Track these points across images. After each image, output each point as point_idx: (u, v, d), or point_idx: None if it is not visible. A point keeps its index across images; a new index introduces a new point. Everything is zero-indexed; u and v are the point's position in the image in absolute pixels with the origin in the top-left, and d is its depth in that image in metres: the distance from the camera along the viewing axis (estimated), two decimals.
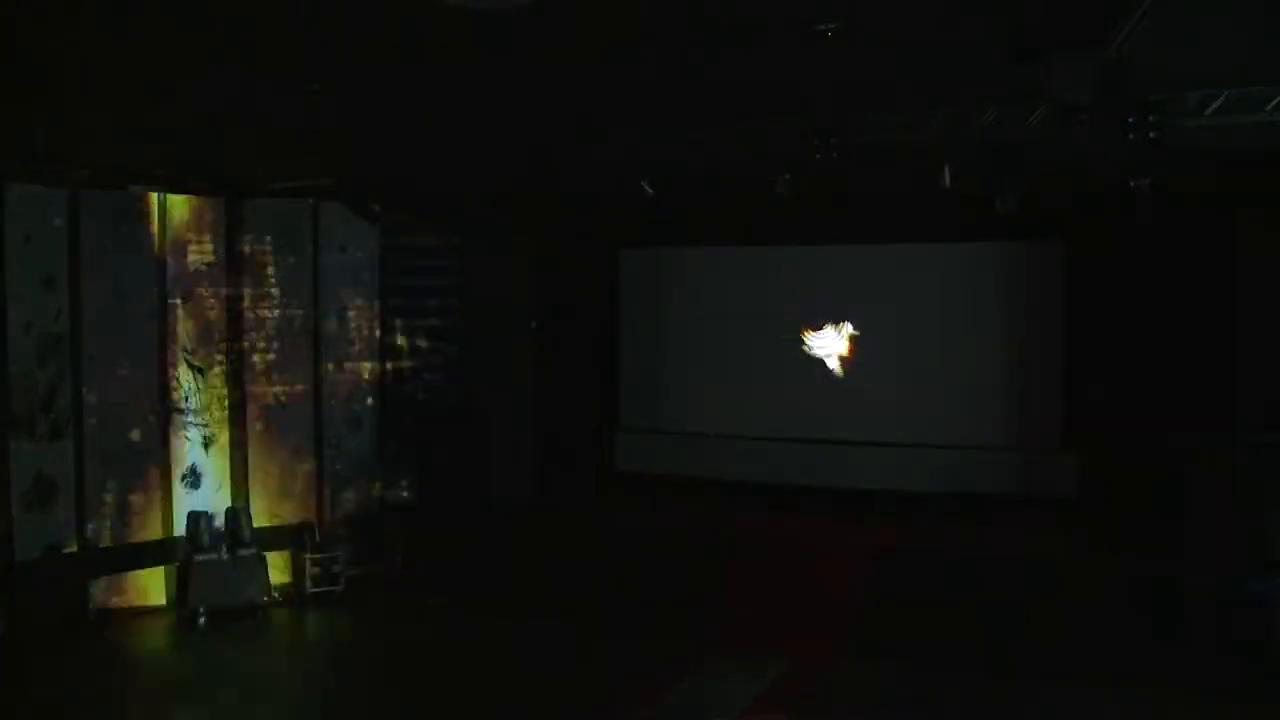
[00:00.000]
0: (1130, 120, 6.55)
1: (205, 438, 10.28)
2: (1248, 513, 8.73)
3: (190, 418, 10.20)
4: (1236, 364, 9.25)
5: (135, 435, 9.87)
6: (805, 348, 11.72)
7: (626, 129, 7.99)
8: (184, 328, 10.15)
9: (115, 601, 9.68)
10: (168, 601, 9.88)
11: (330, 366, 10.91)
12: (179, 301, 10.11)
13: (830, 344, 11.64)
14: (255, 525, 10.33)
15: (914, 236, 11.03)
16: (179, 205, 10.07)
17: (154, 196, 9.91)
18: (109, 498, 9.74)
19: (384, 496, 11.19)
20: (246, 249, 10.42)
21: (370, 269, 11.10)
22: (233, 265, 10.37)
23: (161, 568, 9.95)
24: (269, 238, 10.54)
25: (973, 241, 10.94)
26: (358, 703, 7.81)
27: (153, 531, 9.96)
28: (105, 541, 9.68)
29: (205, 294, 10.26)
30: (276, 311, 10.62)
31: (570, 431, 12.51)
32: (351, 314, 11.03)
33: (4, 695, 7.73)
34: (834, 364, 11.63)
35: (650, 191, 8.96)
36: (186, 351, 10.17)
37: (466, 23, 5.16)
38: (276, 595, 10.18)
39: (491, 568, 10.67)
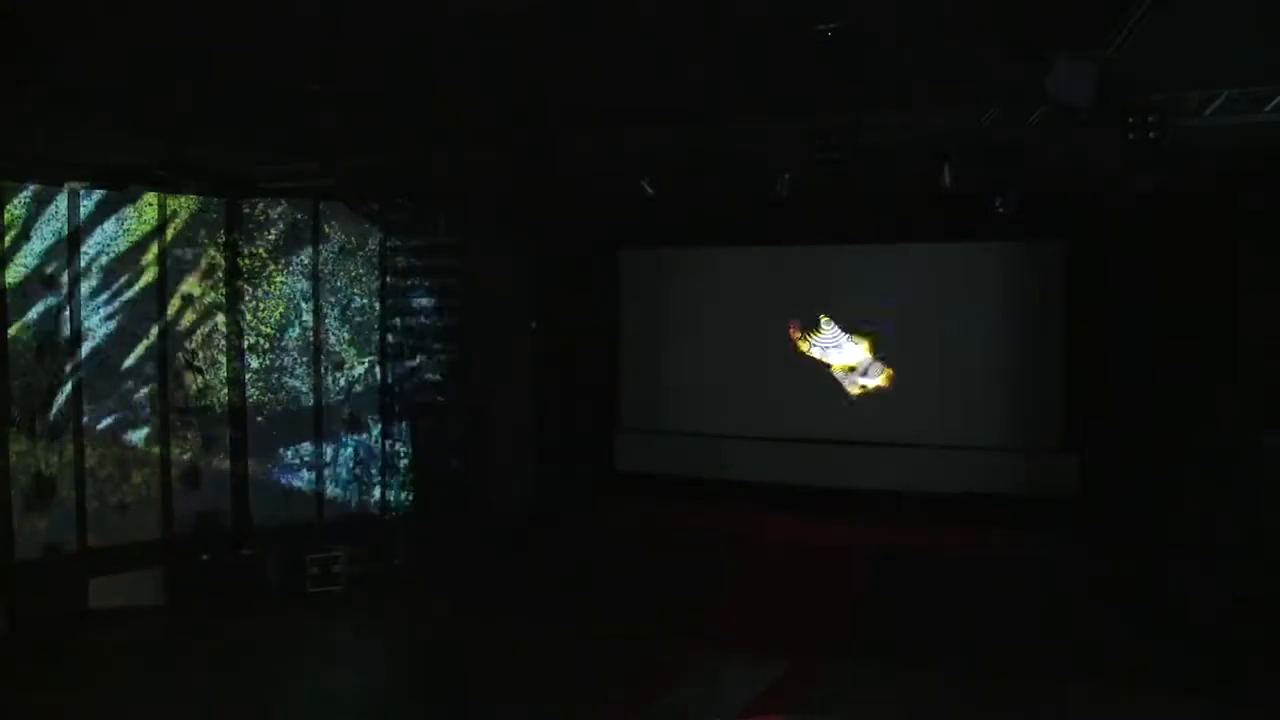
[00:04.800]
0: (1130, 120, 6.55)
1: (205, 438, 10.28)
2: (1248, 513, 8.74)
3: (190, 418, 10.19)
4: (1237, 363, 9.25)
5: (135, 435, 9.87)
6: (806, 348, 11.73)
7: (627, 128, 7.99)
8: (184, 328, 10.14)
9: (115, 601, 9.67)
10: (168, 601, 9.87)
11: (330, 366, 10.92)
12: (179, 301, 10.11)
13: (831, 344, 11.65)
14: (255, 525, 10.35)
15: (914, 236, 11.04)
16: (179, 205, 10.06)
17: (154, 196, 9.90)
18: (109, 498, 9.73)
19: (384, 496, 11.20)
20: (246, 249, 10.42)
21: (370, 269, 11.10)
22: (232, 265, 10.37)
23: (161, 568, 9.94)
24: (269, 238, 10.55)
25: (973, 241, 10.95)
26: (359, 703, 7.81)
27: (152, 531, 9.95)
28: (105, 541, 9.68)
29: (205, 294, 10.25)
30: (277, 311, 10.62)
31: (570, 431, 12.52)
32: (351, 314, 11.03)
33: (4, 695, 7.73)
34: (834, 364, 11.64)
35: (650, 191, 8.97)
36: (186, 351, 10.17)
37: (466, 21, 5.17)
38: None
39: (491, 567, 10.67)
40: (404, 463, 11.28)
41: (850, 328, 11.53)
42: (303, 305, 10.75)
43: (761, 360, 11.86)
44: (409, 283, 11.30)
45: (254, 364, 10.51)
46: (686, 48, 5.80)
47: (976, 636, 8.43)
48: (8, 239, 8.94)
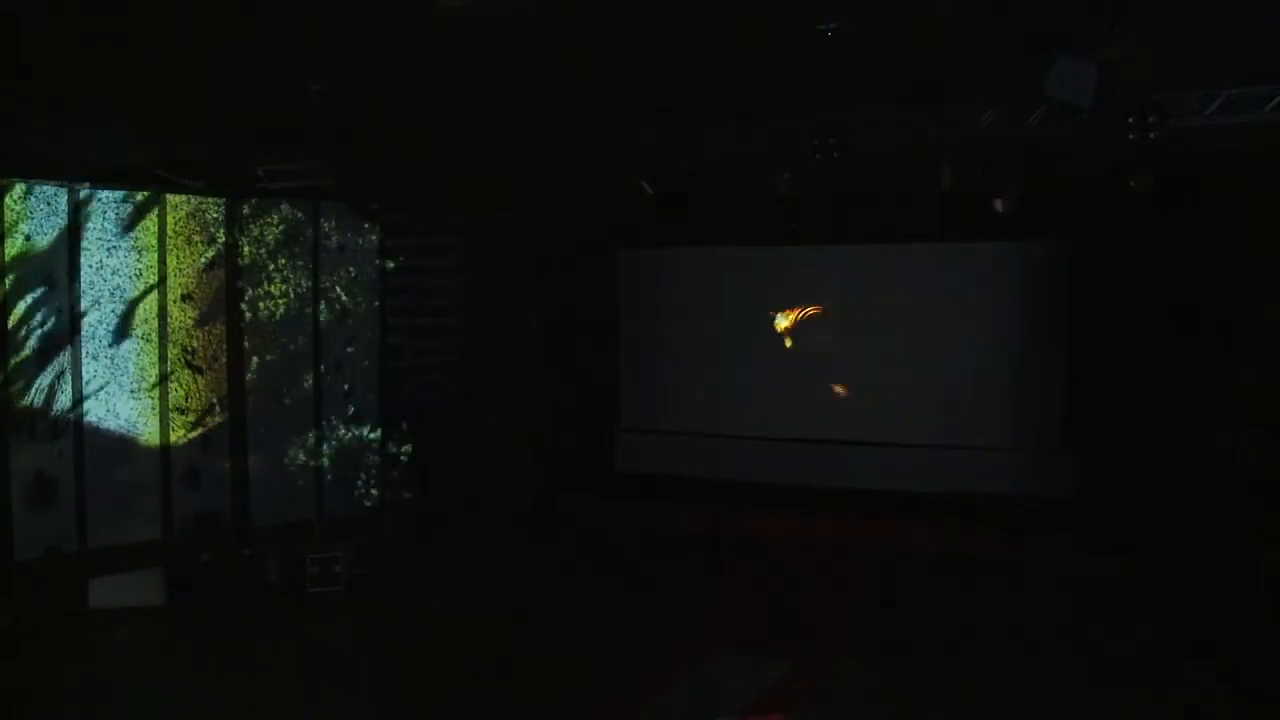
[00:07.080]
0: (1130, 120, 6.55)
1: (205, 438, 10.29)
2: (1248, 514, 8.75)
3: (190, 417, 10.20)
4: (1238, 364, 9.25)
5: (136, 435, 9.87)
6: (806, 347, 11.74)
7: (627, 128, 7.99)
8: (184, 327, 10.15)
9: (115, 601, 9.68)
10: (168, 601, 9.88)
11: (330, 366, 10.92)
12: (179, 301, 10.11)
13: (831, 344, 11.66)
14: (255, 525, 10.35)
15: (914, 236, 11.03)
16: (179, 205, 10.07)
17: (154, 196, 9.90)
18: (109, 498, 9.73)
19: (383, 496, 11.20)
20: (246, 249, 10.42)
21: (370, 269, 11.10)
22: (232, 265, 10.38)
23: (161, 568, 9.94)
24: (268, 237, 10.55)
25: (973, 241, 10.95)
26: (359, 703, 7.81)
27: (152, 531, 9.96)
28: (105, 542, 9.68)
29: (205, 294, 10.26)
30: (276, 311, 10.62)
31: (570, 432, 12.51)
32: (351, 314, 11.03)
33: (4, 694, 7.73)
34: (832, 364, 11.64)
35: (650, 191, 8.97)
36: (186, 351, 10.17)
37: (467, 21, 5.17)
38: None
39: (491, 567, 10.67)
40: (404, 462, 11.28)
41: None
42: (302, 305, 10.75)
43: (761, 360, 11.86)
44: (409, 282, 11.30)
45: (254, 363, 10.51)
46: (686, 47, 5.80)
47: (976, 637, 8.44)
48: (7, 238, 8.94)
